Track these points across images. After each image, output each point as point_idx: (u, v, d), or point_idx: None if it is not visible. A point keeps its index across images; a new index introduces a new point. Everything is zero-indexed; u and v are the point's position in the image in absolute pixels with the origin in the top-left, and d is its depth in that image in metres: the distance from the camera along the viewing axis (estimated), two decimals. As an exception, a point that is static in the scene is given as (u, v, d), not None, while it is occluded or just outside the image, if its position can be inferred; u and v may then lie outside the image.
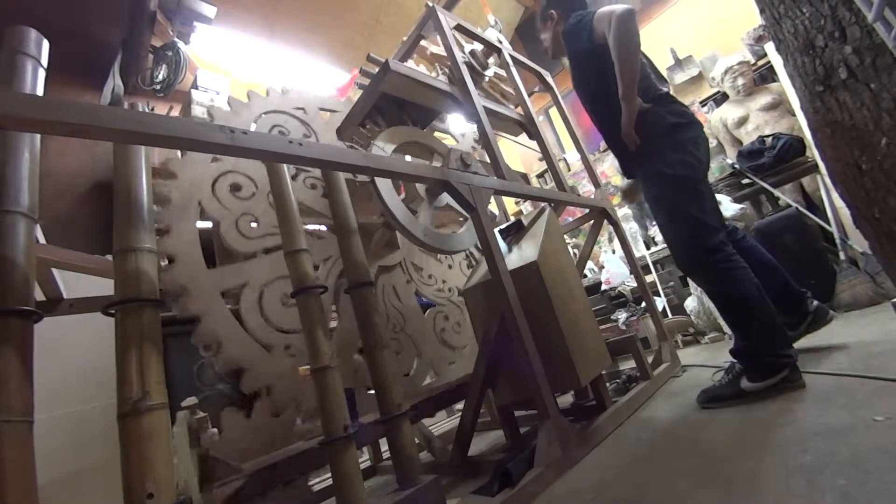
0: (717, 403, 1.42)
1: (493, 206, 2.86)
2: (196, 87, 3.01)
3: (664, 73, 3.74)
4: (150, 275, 0.88)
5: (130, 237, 0.89)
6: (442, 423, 2.85)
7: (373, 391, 1.31)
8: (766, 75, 3.28)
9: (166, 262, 1.42)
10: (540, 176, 4.90)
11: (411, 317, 2.05)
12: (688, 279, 2.71)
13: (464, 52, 2.14)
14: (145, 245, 0.90)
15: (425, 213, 1.72)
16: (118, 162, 0.96)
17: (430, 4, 1.99)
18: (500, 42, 2.36)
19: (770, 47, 2.94)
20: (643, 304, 2.86)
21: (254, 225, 1.67)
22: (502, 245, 1.73)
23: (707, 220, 1.49)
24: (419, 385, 1.93)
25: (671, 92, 1.75)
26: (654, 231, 3.84)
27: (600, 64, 1.60)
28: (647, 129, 1.58)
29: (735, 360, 1.46)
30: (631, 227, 3.86)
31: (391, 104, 1.94)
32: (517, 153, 5.30)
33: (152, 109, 2.92)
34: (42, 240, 1.39)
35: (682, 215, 1.50)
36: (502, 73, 2.38)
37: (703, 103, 3.79)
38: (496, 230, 1.69)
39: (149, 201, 0.96)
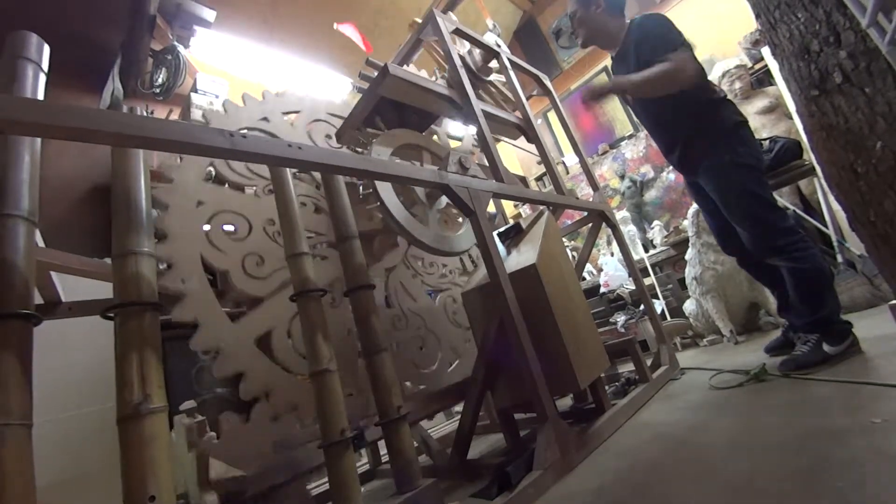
0: (807, 370, 1.52)
1: (491, 207, 2.86)
2: (196, 91, 3.01)
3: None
4: (149, 278, 0.89)
5: (129, 240, 0.89)
6: (441, 427, 2.84)
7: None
8: (762, 79, 3.29)
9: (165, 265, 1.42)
10: (538, 179, 4.92)
11: (429, 313, 2.09)
12: (688, 287, 2.72)
13: (463, 56, 2.15)
14: (144, 248, 0.90)
15: (432, 218, 1.74)
16: (116, 165, 0.96)
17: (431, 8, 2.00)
18: (499, 46, 2.37)
19: (767, 51, 2.96)
20: (642, 307, 2.86)
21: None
22: (501, 248, 1.74)
23: (777, 204, 1.68)
24: (443, 376, 1.97)
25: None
26: (653, 234, 3.86)
27: None
28: (717, 125, 1.71)
29: (806, 333, 1.62)
30: (629, 230, 3.87)
31: (390, 108, 1.95)
32: (516, 156, 5.32)
33: (151, 113, 2.92)
34: (41, 243, 1.39)
35: (758, 200, 1.64)
36: (501, 78, 2.39)
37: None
38: (495, 233, 1.69)
39: (147, 204, 0.96)
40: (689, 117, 1.75)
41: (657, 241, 3.74)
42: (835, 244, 2.49)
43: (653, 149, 4.24)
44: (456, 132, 2.58)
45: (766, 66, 3.17)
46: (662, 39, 1.70)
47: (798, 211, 2.68)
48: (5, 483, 0.64)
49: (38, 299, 1.39)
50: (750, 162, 1.67)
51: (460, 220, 2.10)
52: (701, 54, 3.89)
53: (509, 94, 2.40)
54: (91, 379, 1.90)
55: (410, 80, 1.76)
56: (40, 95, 0.96)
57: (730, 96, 3.21)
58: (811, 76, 0.98)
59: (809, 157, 2.62)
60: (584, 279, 3.82)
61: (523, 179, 2.96)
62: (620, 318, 3.05)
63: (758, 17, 1.13)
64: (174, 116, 3.13)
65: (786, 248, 1.60)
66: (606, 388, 1.92)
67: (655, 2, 4.28)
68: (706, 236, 2.50)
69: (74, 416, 1.85)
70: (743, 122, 1.75)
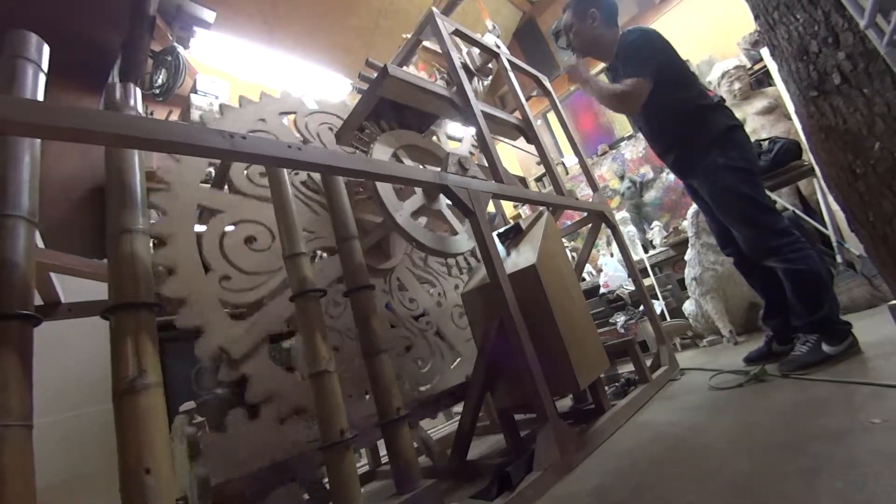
0: (806, 370, 1.53)
1: (490, 207, 2.85)
2: (195, 92, 3.02)
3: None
4: (143, 256, 0.87)
5: (124, 219, 0.88)
6: (441, 427, 2.84)
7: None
8: (762, 79, 3.30)
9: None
10: (538, 180, 4.92)
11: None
12: (687, 287, 2.72)
13: (462, 56, 2.15)
14: (139, 226, 0.89)
15: (411, 203, 1.72)
16: (110, 161, 0.95)
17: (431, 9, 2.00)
18: (499, 47, 2.37)
19: (766, 52, 2.96)
20: (641, 308, 2.86)
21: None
22: (500, 249, 1.74)
23: (771, 206, 1.69)
24: (350, 413, 1.70)
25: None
26: (652, 234, 3.86)
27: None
28: (710, 130, 1.73)
29: (805, 333, 1.62)
30: (629, 231, 3.87)
31: (390, 109, 1.95)
32: (515, 157, 5.32)
33: (151, 114, 2.92)
34: (41, 244, 1.39)
35: (752, 203, 1.65)
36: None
37: (700, 107, 3.81)
38: (494, 234, 1.69)
39: (143, 193, 0.95)
40: (682, 122, 1.78)
41: (657, 241, 3.74)
42: (834, 245, 2.49)
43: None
44: (455, 133, 2.58)
45: (765, 66, 3.18)
46: (632, 60, 1.78)
47: (797, 212, 2.68)
48: (6, 483, 0.64)
49: (38, 300, 1.39)
50: (742, 165, 1.68)
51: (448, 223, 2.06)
52: (700, 55, 3.93)
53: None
54: (91, 379, 1.90)
55: (410, 81, 1.76)
56: (40, 96, 0.96)
57: (729, 97, 3.26)
58: (810, 77, 0.99)
59: (808, 157, 2.62)
60: (584, 279, 3.82)
61: (523, 180, 2.96)
62: (620, 319, 3.05)
63: (757, 17, 1.14)
64: (174, 117, 3.13)
65: (780, 249, 1.60)
66: (606, 388, 1.92)
67: (655, 2, 4.29)
68: (706, 237, 2.50)
69: (74, 417, 1.85)
70: (736, 126, 1.76)
